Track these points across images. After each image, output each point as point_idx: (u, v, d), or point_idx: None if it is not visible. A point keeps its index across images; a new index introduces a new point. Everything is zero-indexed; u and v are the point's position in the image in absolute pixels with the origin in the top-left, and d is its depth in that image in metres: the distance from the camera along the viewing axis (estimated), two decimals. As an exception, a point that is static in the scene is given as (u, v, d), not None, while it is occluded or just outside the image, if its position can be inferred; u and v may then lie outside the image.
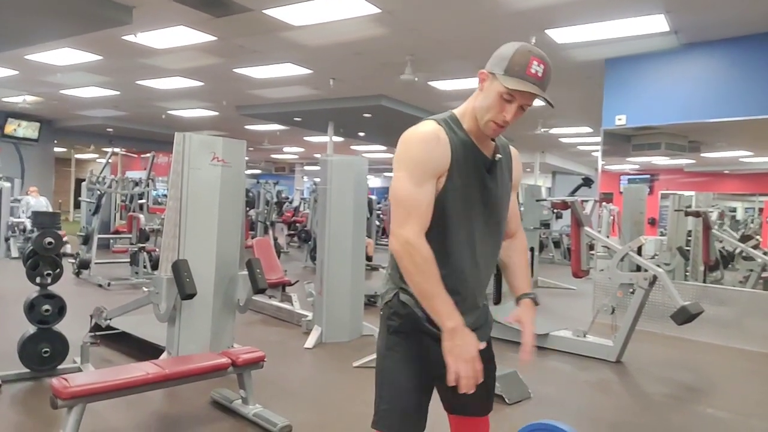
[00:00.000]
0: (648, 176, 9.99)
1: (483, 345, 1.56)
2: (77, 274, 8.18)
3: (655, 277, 4.67)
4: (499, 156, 1.58)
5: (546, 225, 13.17)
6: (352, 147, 16.41)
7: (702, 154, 8.25)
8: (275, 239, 10.82)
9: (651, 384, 4.50)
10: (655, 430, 3.48)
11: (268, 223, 11.86)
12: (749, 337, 5.64)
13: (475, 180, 1.53)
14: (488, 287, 1.75)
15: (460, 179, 1.50)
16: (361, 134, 13.57)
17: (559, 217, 14.81)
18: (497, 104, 1.46)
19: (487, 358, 1.69)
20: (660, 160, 8.54)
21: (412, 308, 1.54)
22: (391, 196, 1.52)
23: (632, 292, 4.90)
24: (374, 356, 1.53)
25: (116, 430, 3.14)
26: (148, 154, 9.82)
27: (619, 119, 6.83)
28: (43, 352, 3.81)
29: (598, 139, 7.26)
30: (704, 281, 7.03)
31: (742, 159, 8.68)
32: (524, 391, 3.88)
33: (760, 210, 10.00)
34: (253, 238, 9.38)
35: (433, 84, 8.58)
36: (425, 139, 1.48)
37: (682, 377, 4.72)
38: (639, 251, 5.37)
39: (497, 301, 4.90)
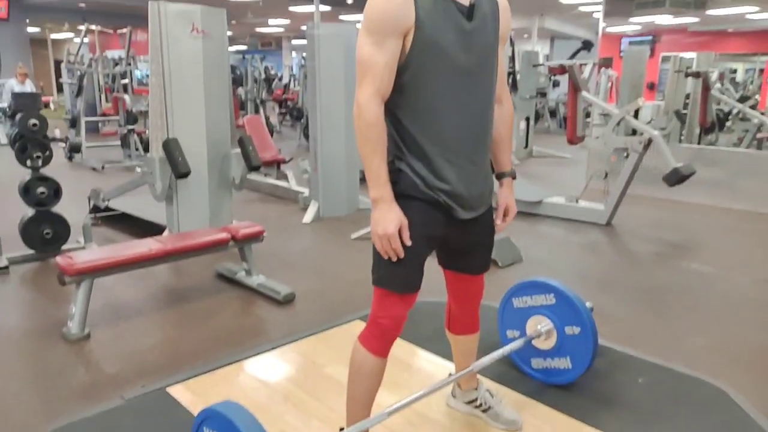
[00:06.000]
0: (650, 38, 9.58)
1: (474, 213, 1.62)
2: (70, 158, 8.12)
3: (649, 140, 4.65)
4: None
5: (542, 94, 12.87)
6: (341, 17, 15.56)
7: (707, 12, 7.86)
8: (267, 118, 10.62)
9: (639, 244, 4.67)
10: (640, 285, 3.66)
11: (258, 101, 11.57)
12: (739, 197, 5.76)
13: (450, 27, 1.46)
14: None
15: (431, 30, 1.44)
16: (349, 1, 12.80)
17: (555, 85, 14.45)
18: None
19: (486, 221, 1.72)
20: (663, 20, 8.16)
21: (409, 174, 1.53)
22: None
23: (626, 157, 4.91)
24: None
25: (127, 302, 3.29)
26: (125, 30, 9.30)
27: (624, -27, 6.40)
28: (44, 233, 3.88)
29: (600, -3, 6.86)
30: (699, 143, 7.04)
31: (748, 15, 8.28)
32: (516, 254, 4.03)
33: (761, 71, 9.75)
34: (243, 117, 9.19)
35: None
36: None
37: (670, 237, 4.89)
38: (636, 115, 5.30)
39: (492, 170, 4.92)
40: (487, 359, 2.02)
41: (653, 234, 4.92)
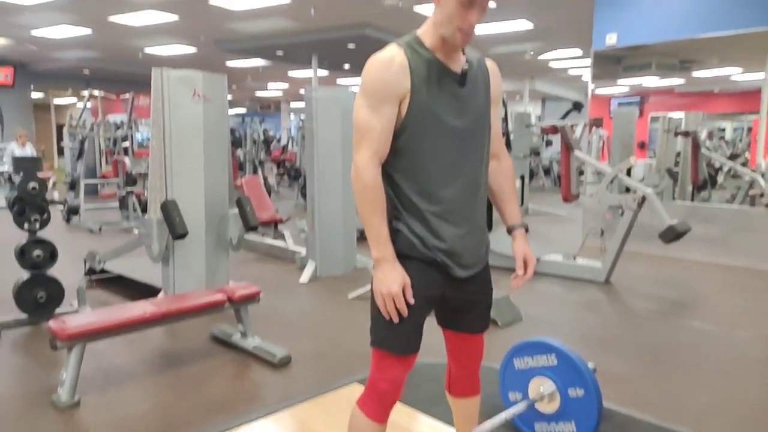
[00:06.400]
0: (638, 99, 9.88)
1: (471, 271, 1.60)
2: (67, 220, 8.14)
3: (643, 198, 4.70)
4: (466, 66, 1.56)
5: (536, 153, 13.14)
6: (338, 81, 16.04)
7: (693, 74, 8.14)
8: (265, 179, 10.75)
9: (638, 301, 4.63)
10: (641, 343, 3.61)
11: (256, 162, 11.75)
12: (735, 253, 5.77)
13: (444, 94, 1.51)
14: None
15: (425, 96, 1.49)
16: (347, 66, 13.23)
17: (549, 144, 14.77)
18: (458, 12, 1.44)
19: (484, 279, 1.71)
20: (650, 82, 8.43)
21: (407, 234, 1.54)
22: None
23: (621, 214, 4.95)
24: (369, 287, 1.54)
25: (119, 367, 3.21)
26: (127, 95, 9.55)
27: (610, 38, 6.67)
28: (38, 297, 3.83)
29: (589, 61, 7.12)
30: (692, 201, 7.11)
31: (733, 77, 8.57)
32: (516, 313, 3.99)
33: (749, 129, 9.99)
34: (242, 177, 9.30)
35: (419, 9, 8.28)
36: (380, 65, 1.48)
37: (669, 294, 4.86)
38: (628, 173, 5.38)
39: (488, 228, 4.94)
40: (488, 424, 1.96)
41: (652, 291, 4.90)
